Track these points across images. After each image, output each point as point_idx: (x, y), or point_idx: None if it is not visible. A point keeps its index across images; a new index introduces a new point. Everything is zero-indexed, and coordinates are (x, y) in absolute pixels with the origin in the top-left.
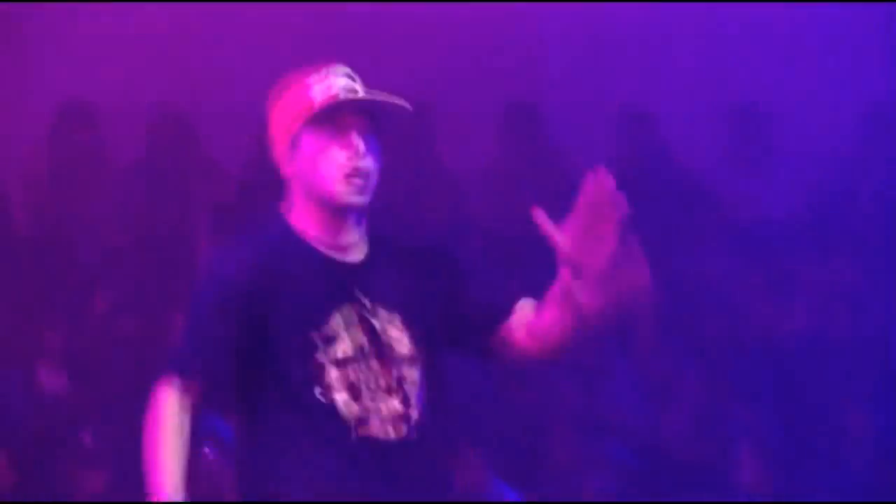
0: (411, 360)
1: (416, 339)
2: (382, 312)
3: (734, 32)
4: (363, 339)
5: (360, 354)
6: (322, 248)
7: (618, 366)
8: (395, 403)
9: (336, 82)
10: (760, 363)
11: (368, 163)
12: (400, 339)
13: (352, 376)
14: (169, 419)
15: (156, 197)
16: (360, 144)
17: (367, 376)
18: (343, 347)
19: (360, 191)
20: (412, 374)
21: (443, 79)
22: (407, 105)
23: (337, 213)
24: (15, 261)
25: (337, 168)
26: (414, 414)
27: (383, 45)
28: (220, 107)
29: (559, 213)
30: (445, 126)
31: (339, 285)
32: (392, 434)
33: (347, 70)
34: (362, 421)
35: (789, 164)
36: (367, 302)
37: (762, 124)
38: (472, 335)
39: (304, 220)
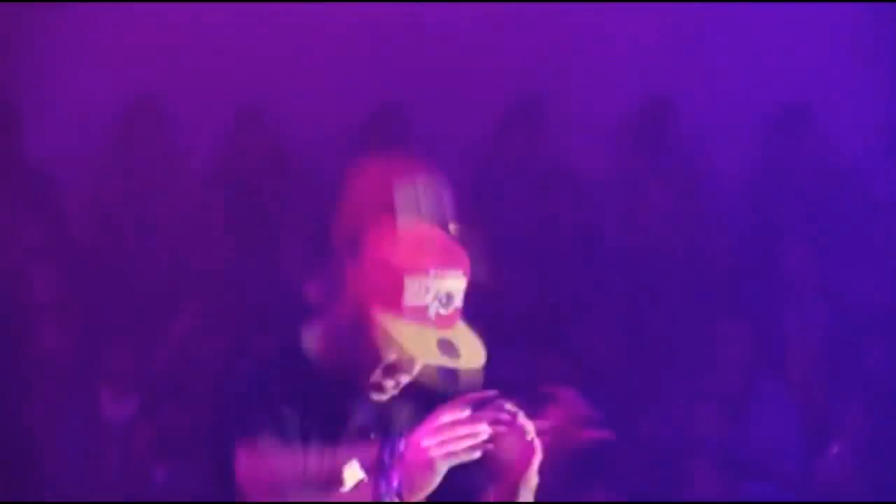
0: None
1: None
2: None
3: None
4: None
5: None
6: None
7: (768, 396)
8: None
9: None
10: None
11: None
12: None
13: None
14: None
15: (236, 206)
16: None
17: None
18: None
19: None
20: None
21: (567, 71)
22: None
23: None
24: (78, 275)
25: None
26: None
27: (495, 40)
28: (300, 107)
29: (686, 222)
30: (569, 124)
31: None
32: None
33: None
34: None
35: None
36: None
37: None
38: None
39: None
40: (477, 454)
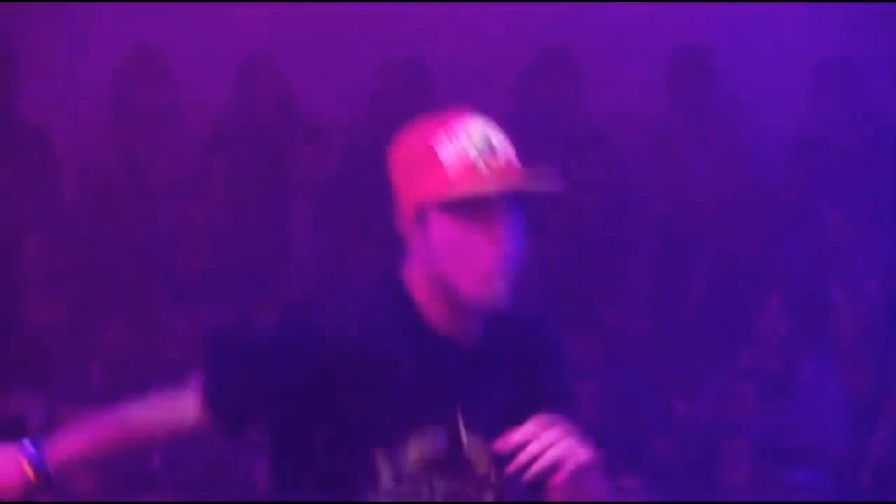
0: (487, 485)
1: (496, 461)
2: (473, 430)
3: None
4: (436, 448)
5: (427, 465)
6: (438, 337)
7: (812, 375)
8: None
9: (473, 153)
10: None
11: (515, 258)
12: (480, 458)
13: (407, 488)
14: (163, 410)
15: (242, 167)
16: (508, 238)
17: (426, 491)
18: (412, 455)
19: (502, 294)
20: (482, 498)
21: (597, 22)
22: (559, 184)
23: (466, 311)
24: (67, 242)
25: (476, 266)
26: None
27: None
28: (315, 59)
29: (723, 186)
30: (598, 78)
31: (440, 395)
32: None
33: (484, 128)
34: None
35: None
36: (460, 417)
37: None
38: None
39: (423, 298)
40: None
